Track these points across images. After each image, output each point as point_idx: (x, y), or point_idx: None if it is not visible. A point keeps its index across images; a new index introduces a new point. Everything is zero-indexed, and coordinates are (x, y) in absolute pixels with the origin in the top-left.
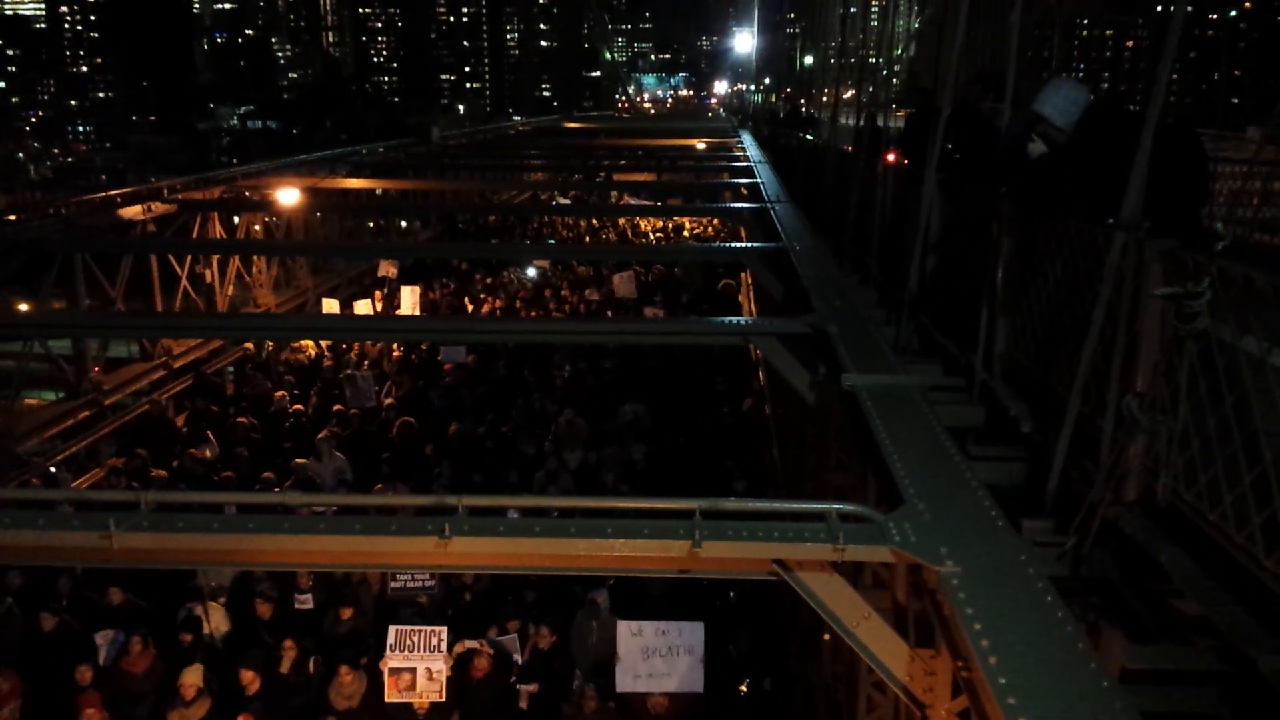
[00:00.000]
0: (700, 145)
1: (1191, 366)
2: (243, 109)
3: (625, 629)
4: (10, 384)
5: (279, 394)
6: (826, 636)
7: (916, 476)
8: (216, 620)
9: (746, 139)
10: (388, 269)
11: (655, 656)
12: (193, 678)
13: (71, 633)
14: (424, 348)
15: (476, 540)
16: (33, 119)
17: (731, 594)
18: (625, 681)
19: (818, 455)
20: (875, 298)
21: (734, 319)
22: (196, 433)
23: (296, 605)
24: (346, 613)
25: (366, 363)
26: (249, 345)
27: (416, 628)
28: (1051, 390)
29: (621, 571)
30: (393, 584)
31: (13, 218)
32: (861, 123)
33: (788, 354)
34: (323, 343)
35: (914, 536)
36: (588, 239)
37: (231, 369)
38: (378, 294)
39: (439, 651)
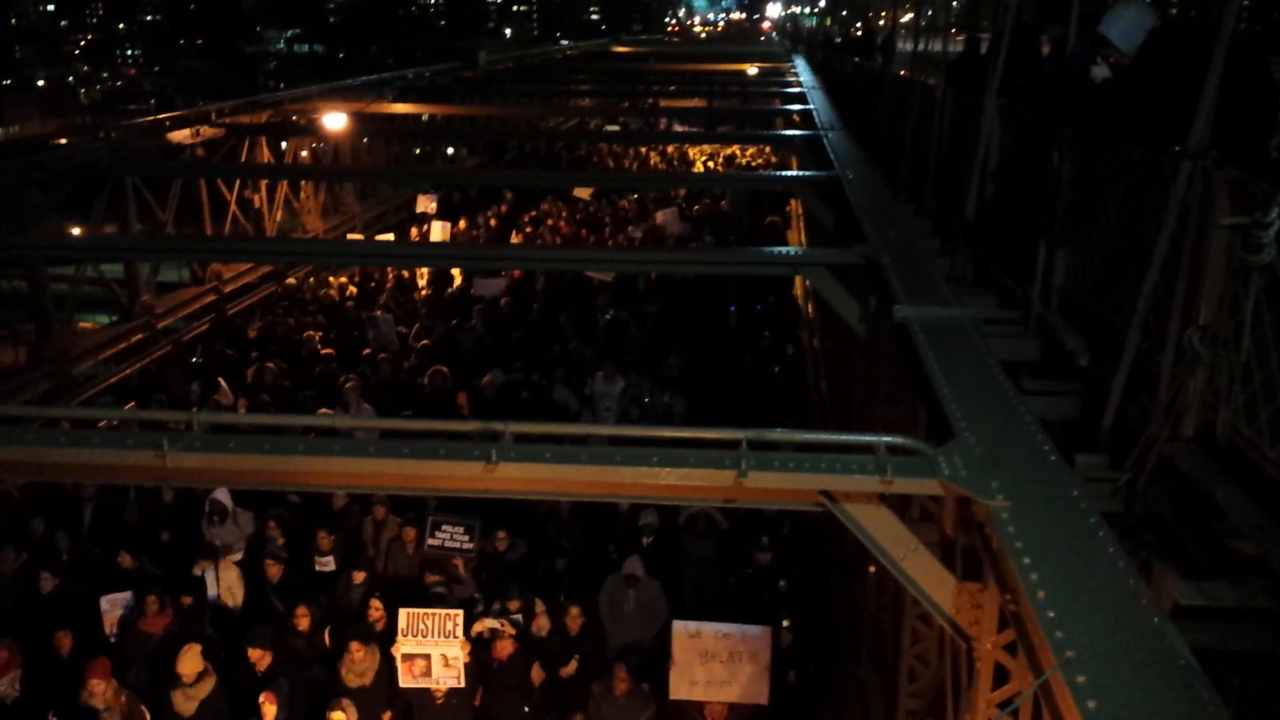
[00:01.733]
0: (752, 70)
1: (1257, 299)
2: (289, 32)
3: (682, 630)
4: (64, 307)
5: (308, 334)
6: (872, 569)
7: (968, 410)
8: (229, 581)
9: (800, 64)
10: (426, 204)
11: (715, 662)
12: (190, 665)
13: (71, 596)
14: (457, 284)
15: (523, 466)
16: (81, 43)
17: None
18: (681, 688)
19: (866, 388)
20: (930, 228)
21: (783, 249)
22: (211, 379)
23: (317, 568)
24: (359, 576)
25: (384, 295)
26: (292, 280)
27: (430, 610)
28: (1110, 324)
29: (667, 500)
30: (429, 540)
31: (63, 141)
32: (939, 47)
33: (838, 285)
34: (344, 280)
35: (964, 470)
36: (635, 165)
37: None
38: (413, 230)
39: (455, 637)
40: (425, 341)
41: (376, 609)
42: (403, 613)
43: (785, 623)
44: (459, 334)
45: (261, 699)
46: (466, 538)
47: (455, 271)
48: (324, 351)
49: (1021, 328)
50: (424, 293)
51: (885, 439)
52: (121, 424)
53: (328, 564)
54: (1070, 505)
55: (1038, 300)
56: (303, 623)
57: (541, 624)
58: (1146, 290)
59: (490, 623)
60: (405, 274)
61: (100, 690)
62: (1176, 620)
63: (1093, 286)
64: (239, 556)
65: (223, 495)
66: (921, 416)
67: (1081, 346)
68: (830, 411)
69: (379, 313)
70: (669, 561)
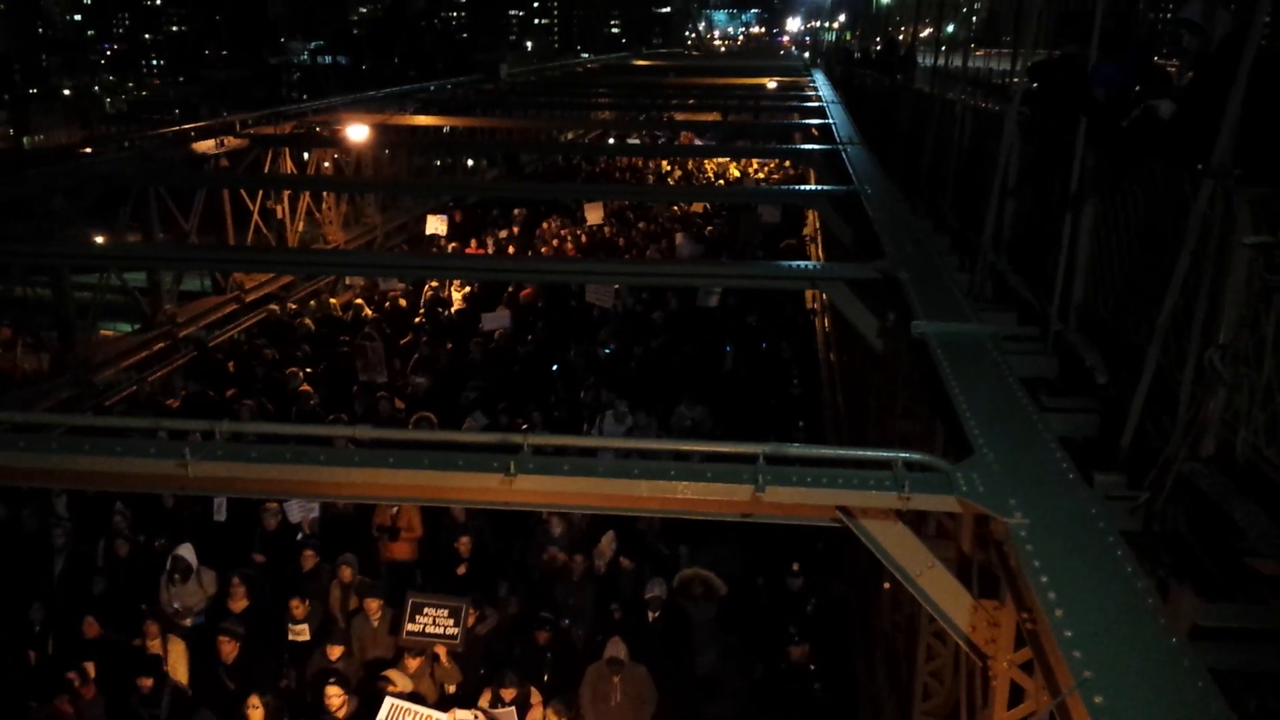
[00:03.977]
0: (771, 84)
1: (1278, 318)
2: (313, 44)
3: None
4: (87, 315)
5: (290, 370)
6: (887, 585)
7: (986, 427)
8: (175, 659)
9: (819, 78)
10: (436, 225)
11: None
12: None
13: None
14: (456, 307)
15: (541, 479)
16: (108, 52)
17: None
18: None
19: (884, 403)
20: (949, 243)
21: (801, 263)
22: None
23: (291, 637)
24: (335, 651)
25: (368, 326)
26: (273, 307)
27: (411, 707)
28: (1129, 341)
29: (684, 514)
30: (408, 625)
31: (89, 150)
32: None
33: (856, 300)
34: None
35: (982, 487)
36: (652, 179)
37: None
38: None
39: None
40: (422, 380)
41: (335, 696)
42: (387, 703)
43: None
44: (458, 367)
45: None
46: (451, 622)
47: (456, 295)
48: (303, 389)
49: (1041, 344)
50: (419, 318)
51: (903, 455)
52: (143, 432)
53: (302, 633)
54: (1088, 524)
55: (1056, 317)
56: (255, 715)
57: (536, 717)
58: (1167, 308)
59: (461, 714)
60: (403, 302)
61: None
62: (1194, 640)
63: (1113, 304)
64: (190, 622)
65: (186, 551)
66: (940, 433)
67: (1101, 364)
68: (847, 427)
69: (368, 342)
70: (676, 632)
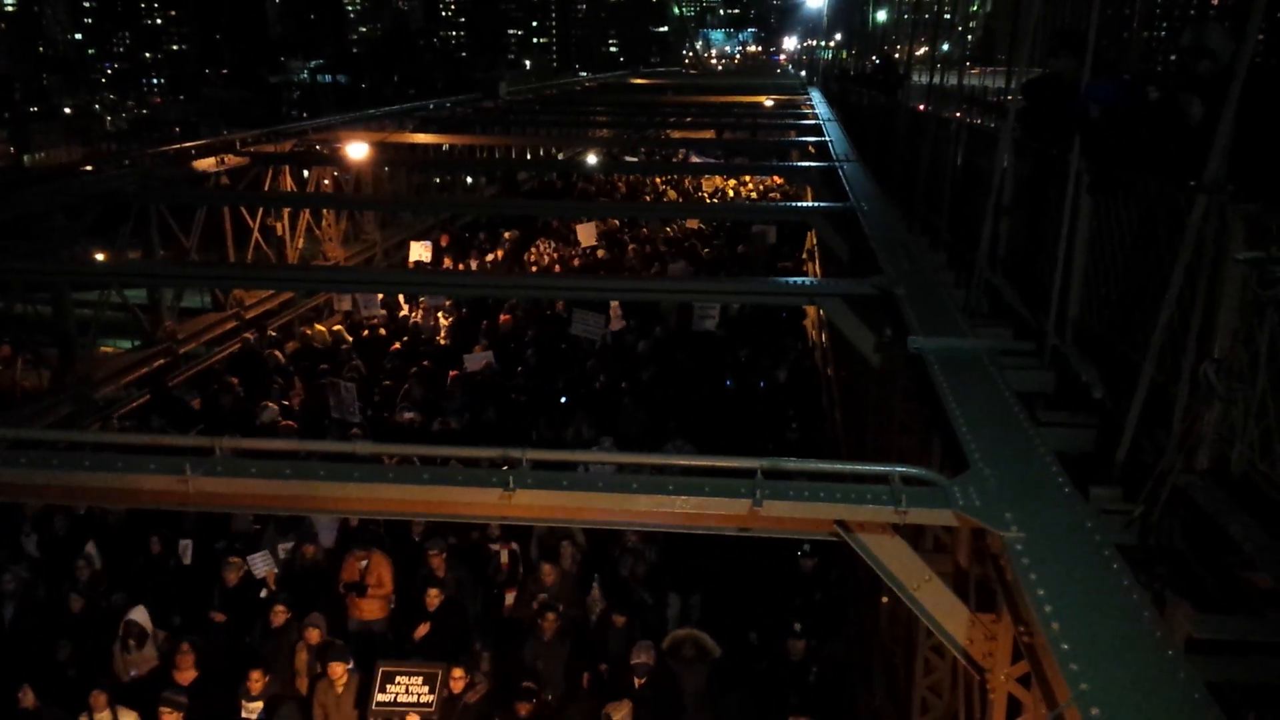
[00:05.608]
0: (768, 102)
1: (1272, 333)
2: (313, 63)
3: None
4: (88, 331)
5: (263, 403)
6: (885, 599)
7: (983, 441)
8: None
9: (815, 96)
10: (421, 252)
11: None
12: None
13: None
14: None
15: (540, 493)
16: (109, 71)
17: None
18: None
19: (881, 418)
20: (945, 259)
21: (798, 280)
22: None
23: (244, 715)
24: None
25: (349, 366)
26: (248, 336)
27: None
28: (1125, 356)
29: (682, 528)
30: (379, 696)
31: (90, 169)
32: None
33: (853, 316)
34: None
35: (978, 501)
36: (648, 198)
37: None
38: None
39: None
40: (412, 415)
41: None
42: None
43: None
44: (441, 404)
45: None
46: (426, 689)
47: (443, 322)
48: (284, 424)
49: (1037, 359)
50: (396, 346)
51: (900, 469)
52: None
53: (254, 712)
54: (1084, 537)
55: (1053, 332)
56: None
57: None
58: (1162, 323)
59: None
60: (383, 331)
61: None
62: (1190, 653)
63: (1108, 318)
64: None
65: (140, 615)
66: (936, 447)
67: (1096, 378)
68: (845, 441)
69: (341, 381)
70: (663, 700)
